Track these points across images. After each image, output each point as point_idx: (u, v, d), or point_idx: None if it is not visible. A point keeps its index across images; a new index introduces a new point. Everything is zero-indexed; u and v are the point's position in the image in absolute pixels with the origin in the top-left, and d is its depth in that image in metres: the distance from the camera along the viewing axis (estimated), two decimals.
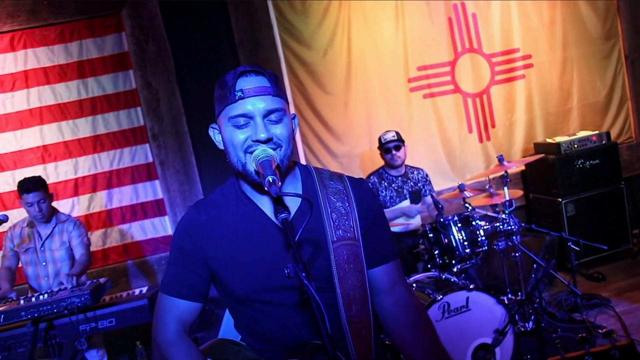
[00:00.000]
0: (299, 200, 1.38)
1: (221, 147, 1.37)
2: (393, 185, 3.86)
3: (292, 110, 4.50)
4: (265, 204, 1.37)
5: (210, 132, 1.39)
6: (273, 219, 1.36)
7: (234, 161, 1.30)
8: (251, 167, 1.27)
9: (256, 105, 1.25)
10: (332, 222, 1.36)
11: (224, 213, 1.38)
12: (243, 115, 1.26)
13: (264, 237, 1.35)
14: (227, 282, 1.37)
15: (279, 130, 1.28)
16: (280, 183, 1.14)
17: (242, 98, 1.25)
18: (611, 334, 1.02)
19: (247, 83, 1.27)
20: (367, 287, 1.37)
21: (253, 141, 1.26)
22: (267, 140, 1.25)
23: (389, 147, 3.79)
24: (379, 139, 3.88)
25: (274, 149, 1.26)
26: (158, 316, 1.41)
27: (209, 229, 1.37)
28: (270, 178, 1.13)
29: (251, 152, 1.26)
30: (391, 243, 1.48)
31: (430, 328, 1.42)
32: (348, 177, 1.48)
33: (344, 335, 1.32)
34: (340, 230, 1.36)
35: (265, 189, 1.13)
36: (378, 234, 1.44)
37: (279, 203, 1.14)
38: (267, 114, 1.27)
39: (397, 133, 3.84)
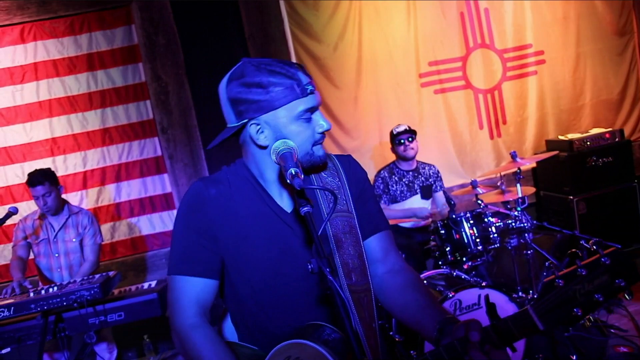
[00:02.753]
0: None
1: (264, 143, 1.29)
2: (404, 180, 3.83)
3: None
4: (274, 191, 1.37)
5: (253, 129, 1.29)
6: (282, 205, 1.37)
7: (298, 155, 1.29)
8: (320, 152, 1.34)
9: (317, 100, 1.32)
10: (325, 196, 1.40)
11: (234, 191, 1.36)
12: (311, 110, 1.29)
13: (275, 221, 1.34)
14: (235, 267, 1.35)
15: None
16: (302, 175, 1.11)
17: (312, 92, 1.29)
18: (599, 244, 1.05)
19: (306, 77, 1.30)
20: (365, 257, 1.40)
21: (320, 133, 1.32)
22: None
23: (402, 139, 3.76)
24: (391, 133, 3.85)
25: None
26: (173, 300, 1.33)
27: (219, 204, 1.34)
28: (292, 170, 1.10)
29: (317, 144, 1.33)
30: (381, 213, 1.51)
31: (427, 288, 1.42)
32: (335, 155, 1.51)
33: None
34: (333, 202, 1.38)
35: (288, 181, 1.10)
36: (368, 204, 1.48)
37: (301, 196, 1.11)
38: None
39: (409, 126, 3.82)
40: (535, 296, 3.26)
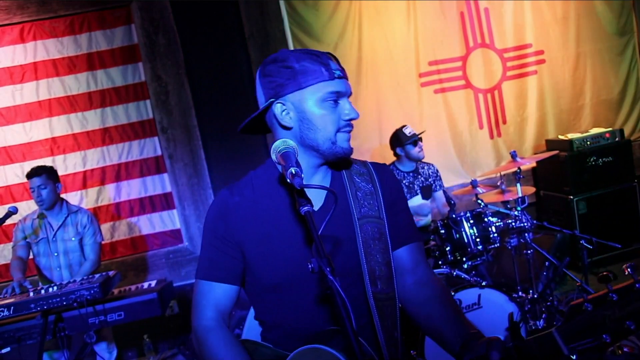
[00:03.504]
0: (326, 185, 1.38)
1: (289, 124, 1.32)
2: (404, 182, 3.82)
3: None
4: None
5: (278, 108, 1.32)
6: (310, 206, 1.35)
7: (320, 139, 1.30)
8: (344, 144, 1.33)
9: (346, 86, 1.32)
10: (357, 200, 1.39)
11: (259, 194, 1.37)
12: (338, 93, 1.30)
13: (299, 222, 1.33)
14: (257, 267, 1.36)
15: None
16: (303, 174, 1.11)
17: (340, 77, 1.30)
18: (634, 268, 1.00)
19: (337, 65, 1.32)
20: (392, 265, 1.39)
21: (345, 120, 1.32)
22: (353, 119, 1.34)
23: (415, 139, 3.72)
24: (400, 133, 3.75)
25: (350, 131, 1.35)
26: (196, 302, 1.40)
27: (243, 210, 1.36)
28: (292, 170, 1.10)
29: (341, 132, 1.32)
30: (413, 224, 1.52)
31: (453, 302, 1.41)
32: (370, 162, 1.52)
33: (370, 310, 1.32)
34: (365, 208, 1.39)
35: (288, 180, 1.09)
36: (401, 214, 1.48)
37: (301, 195, 1.11)
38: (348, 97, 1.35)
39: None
40: (535, 296, 3.26)
